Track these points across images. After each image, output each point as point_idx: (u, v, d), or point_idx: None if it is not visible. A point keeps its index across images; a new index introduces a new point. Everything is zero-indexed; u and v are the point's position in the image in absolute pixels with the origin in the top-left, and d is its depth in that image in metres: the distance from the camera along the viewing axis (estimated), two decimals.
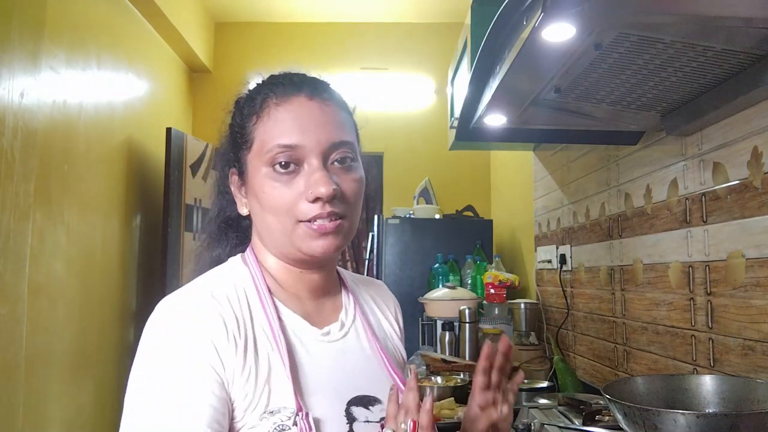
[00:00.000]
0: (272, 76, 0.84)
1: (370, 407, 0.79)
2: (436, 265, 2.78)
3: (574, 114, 1.44)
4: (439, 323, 2.43)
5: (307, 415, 0.71)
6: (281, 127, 0.78)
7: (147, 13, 3.05)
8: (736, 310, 1.25)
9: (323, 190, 0.76)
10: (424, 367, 2.18)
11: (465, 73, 2.17)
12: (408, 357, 2.48)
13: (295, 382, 0.73)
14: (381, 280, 2.82)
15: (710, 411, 1.04)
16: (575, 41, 1.00)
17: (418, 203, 3.24)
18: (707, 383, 1.08)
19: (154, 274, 3.10)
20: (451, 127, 2.39)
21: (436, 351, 2.39)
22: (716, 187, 1.33)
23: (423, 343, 2.62)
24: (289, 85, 0.81)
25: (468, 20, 2.17)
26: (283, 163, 0.77)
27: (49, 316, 2.18)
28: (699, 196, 1.40)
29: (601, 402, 1.51)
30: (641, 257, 1.67)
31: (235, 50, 3.96)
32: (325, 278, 0.87)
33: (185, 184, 3.11)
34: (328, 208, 0.77)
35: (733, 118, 1.27)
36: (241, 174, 0.83)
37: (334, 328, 0.84)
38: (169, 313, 0.74)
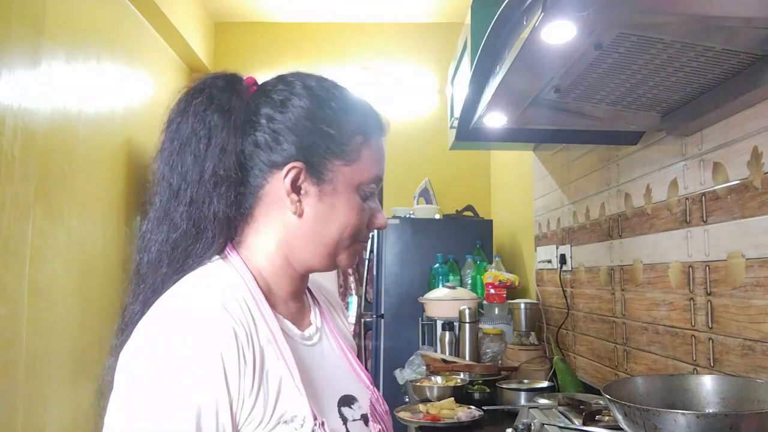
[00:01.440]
0: (357, 97, 0.87)
1: (353, 406, 0.80)
2: (436, 265, 2.78)
3: (574, 114, 1.44)
4: (439, 323, 2.43)
5: (323, 423, 0.71)
6: (380, 160, 0.85)
7: (147, 13, 3.04)
8: (736, 310, 1.25)
9: (384, 223, 0.87)
10: (424, 367, 2.19)
11: (465, 73, 2.17)
12: (408, 357, 2.50)
13: (308, 392, 0.72)
14: (381, 280, 2.84)
15: (710, 411, 1.04)
16: (575, 41, 1.00)
17: (418, 203, 3.24)
18: (707, 383, 1.08)
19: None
20: (451, 127, 2.39)
21: (436, 351, 2.39)
22: (716, 187, 1.33)
23: (423, 343, 2.62)
24: (382, 123, 0.88)
25: (468, 20, 2.17)
26: (372, 191, 0.84)
27: (49, 316, 2.18)
28: (699, 196, 1.40)
29: (601, 402, 1.51)
30: (641, 257, 1.67)
31: (235, 50, 3.96)
32: (306, 280, 0.89)
33: None
34: (369, 236, 0.90)
35: (733, 118, 1.27)
36: (317, 176, 0.79)
37: (311, 332, 0.84)
38: (172, 329, 0.69)
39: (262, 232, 0.81)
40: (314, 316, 0.88)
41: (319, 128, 0.79)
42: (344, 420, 0.77)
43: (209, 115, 0.79)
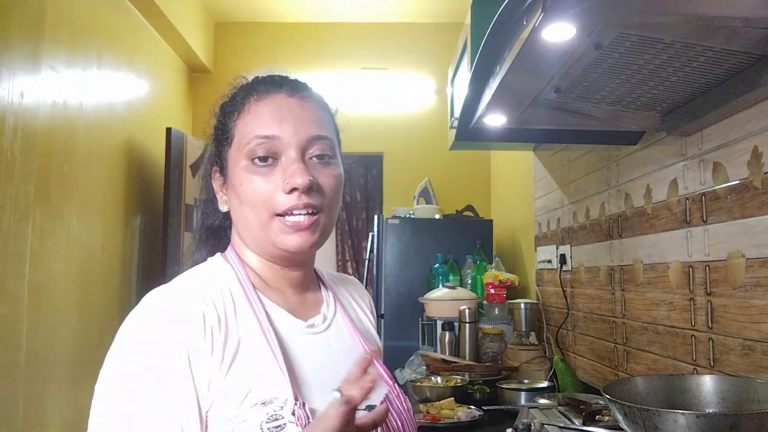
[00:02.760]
0: (255, 77, 0.87)
1: None
2: (436, 265, 2.78)
3: (574, 114, 1.44)
4: (439, 323, 2.43)
5: (303, 404, 0.71)
6: (260, 119, 0.80)
7: (147, 13, 3.05)
8: (736, 310, 1.25)
9: (299, 180, 0.77)
10: (424, 367, 2.19)
11: (465, 73, 2.17)
12: (408, 357, 2.50)
13: (289, 373, 0.73)
14: (381, 280, 2.84)
15: (710, 411, 1.04)
16: (575, 41, 1.00)
17: (418, 203, 3.24)
18: (707, 383, 1.08)
19: (154, 274, 3.10)
20: (451, 127, 2.39)
21: (436, 351, 2.39)
22: (716, 187, 1.33)
23: (423, 343, 2.62)
24: (270, 83, 0.84)
25: (468, 20, 2.17)
26: (261, 155, 0.79)
27: (49, 316, 2.18)
28: (699, 196, 1.40)
29: (601, 402, 1.51)
30: (641, 257, 1.67)
31: (235, 50, 3.96)
32: (305, 275, 0.89)
33: (185, 184, 3.11)
34: (304, 199, 0.78)
35: (733, 118, 1.27)
36: (222, 170, 0.85)
37: (318, 321, 0.85)
38: (146, 311, 0.74)
39: (234, 233, 0.88)
40: (326, 306, 0.89)
41: (214, 128, 0.87)
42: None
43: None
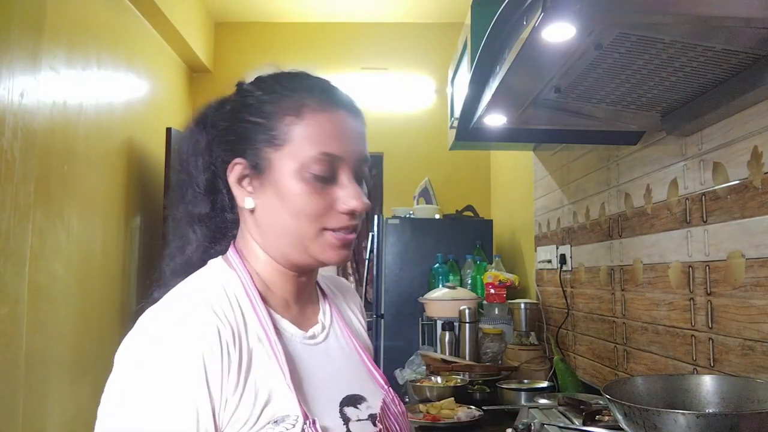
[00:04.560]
0: (309, 79, 0.82)
1: (359, 406, 0.80)
2: (436, 265, 2.78)
3: (574, 114, 1.44)
4: (439, 323, 2.43)
5: (314, 422, 0.71)
6: (324, 134, 0.77)
7: (147, 13, 3.05)
8: (736, 310, 1.25)
9: (358, 204, 0.78)
10: (424, 367, 2.18)
11: (465, 73, 2.17)
12: (408, 357, 2.50)
13: (297, 391, 0.73)
14: (381, 280, 2.84)
15: (710, 411, 1.04)
16: (575, 41, 1.00)
17: (418, 203, 3.24)
18: (707, 383, 1.08)
19: (154, 274, 3.09)
20: (451, 127, 2.39)
21: (436, 351, 2.39)
22: (716, 187, 1.33)
23: (423, 343, 2.62)
24: (331, 94, 0.81)
25: (468, 20, 2.17)
26: (322, 172, 0.77)
27: (49, 316, 2.18)
28: (699, 196, 1.40)
29: (601, 402, 1.51)
30: (641, 257, 1.67)
31: (235, 50, 3.96)
32: (310, 281, 0.88)
33: None
34: (353, 221, 0.79)
35: (733, 118, 1.27)
36: (256, 167, 0.79)
37: (317, 330, 0.84)
38: (155, 329, 0.70)
39: (243, 232, 0.84)
40: (323, 314, 0.88)
41: (246, 120, 0.80)
42: (346, 420, 0.77)
43: (199, 137, 0.86)
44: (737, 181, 1.26)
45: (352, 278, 4.48)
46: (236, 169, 0.80)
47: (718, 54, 1.06)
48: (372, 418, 0.80)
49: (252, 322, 0.75)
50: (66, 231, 2.30)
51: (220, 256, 0.83)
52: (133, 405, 0.66)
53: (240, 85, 0.85)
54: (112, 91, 2.76)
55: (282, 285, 0.83)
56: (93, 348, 2.50)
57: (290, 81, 0.81)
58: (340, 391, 0.80)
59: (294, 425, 0.70)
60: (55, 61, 2.23)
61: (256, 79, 0.84)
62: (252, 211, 0.80)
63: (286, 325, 0.80)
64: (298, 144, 0.77)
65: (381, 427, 0.80)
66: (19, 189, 1.94)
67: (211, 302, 0.73)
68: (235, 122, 0.81)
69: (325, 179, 0.77)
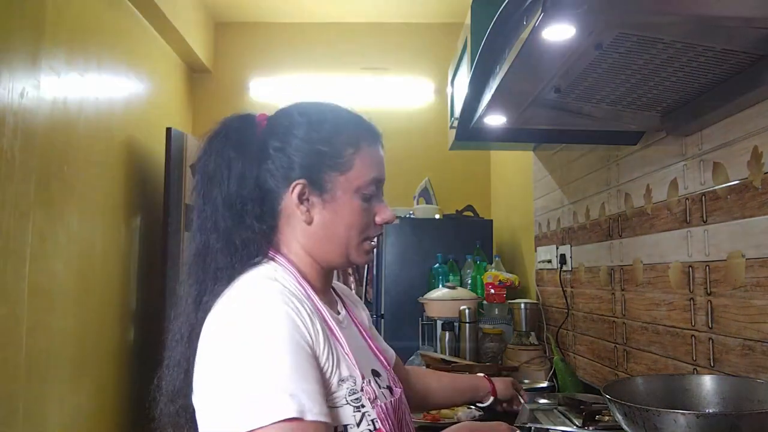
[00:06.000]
0: (361, 121, 1.02)
1: (379, 379, 0.97)
2: (436, 265, 2.78)
3: (574, 114, 1.44)
4: (439, 323, 2.43)
5: (369, 381, 0.91)
6: (376, 165, 0.99)
7: (147, 13, 3.05)
8: (736, 310, 1.25)
9: (391, 217, 1.01)
10: (424, 367, 2.18)
11: (465, 73, 2.17)
12: (408, 357, 2.50)
13: (355, 358, 0.91)
14: (381, 280, 2.84)
15: (710, 411, 1.04)
16: (575, 41, 1.00)
17: (418, 203, 3.24)
18: (707, 383, 1.08)
19: (154, 274, 3.10)
20: (451, 127, 2.39)
21: (436, 351, 2.39)
22: (716, 187, 1.33)
23: (423, 343, 2.62)
24: (375, 133, 1.02)
25: (468, 20, 2.17)
26: (371, 191, 0.98)
27: (49, 316, 2.18)
28: (699, 196, 1.40)
29: (601, 402, 1.51)
30: (641, 257, 1.67)
31: (235, 50, 3.96)
32: (333, 276, 1.07)
33: (185, 184, 3.11)
34: (381, 231, 1.03)
35: (733, 118, 1.27)
36: (317, 187, 0.95)
37: (342, 317, 1.02)
38: (255, 307, 0.83)
39: (289, 239, 0.98)
40: (340, 307, 1.05)
41: (315, 148, 0.96)
42: (379, 386, 0.95)
43: (227, 151, 0.95)
44: (737, 181, 1.26)
45: (352, 278, 4.48)
46: (297, 189, 0.95)
47: (718, 54, 1.06)
48: (388, 388, 0.98)
49: (309, 308, 0.89)
50: (66, 231, 2.30)
51: (269, 260, 0.95)
52: (270, 362, 0.78)
53: (290, 114, 0.99)
54: (112, 91, 2.76)
55: (318, 279, 0.99)
56: (93, 348, 2.50)
57: (346, 117, 1.01)
58: (368, 364, 0.98)
59: (355, 383, 0.88)
60: (55, 61, 2.23)
61: (312, 107, 1.00)
62: (309, 222, 0.96)
63: (328, 310, 0.95)
64: (358, 171, 0.97)
65: (397, 396, 0.97)
66: (19, 189, 1.94)
67: (284, 299, 0.86)
68: (301, 147, 0.96)
69: (371, 198, 0.98)
